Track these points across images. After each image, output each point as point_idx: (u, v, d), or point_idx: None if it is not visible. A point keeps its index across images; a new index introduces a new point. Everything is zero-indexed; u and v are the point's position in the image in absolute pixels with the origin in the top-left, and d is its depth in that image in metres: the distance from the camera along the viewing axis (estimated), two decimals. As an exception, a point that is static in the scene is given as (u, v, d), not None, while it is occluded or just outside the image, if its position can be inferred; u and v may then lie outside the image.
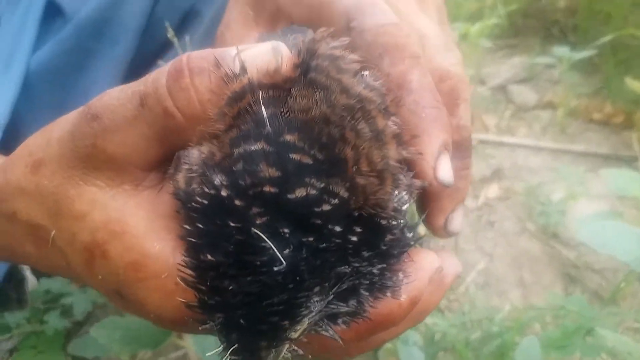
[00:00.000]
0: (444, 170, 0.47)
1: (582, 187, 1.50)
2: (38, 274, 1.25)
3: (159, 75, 0.44)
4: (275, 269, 0.35)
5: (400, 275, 0.45)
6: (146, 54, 1.11)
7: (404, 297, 0.45)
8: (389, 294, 0.45)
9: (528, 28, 2.34)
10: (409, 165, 0.46)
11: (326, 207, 0.36)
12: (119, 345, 0.92)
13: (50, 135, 0.51)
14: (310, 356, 0.49)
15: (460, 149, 0.52)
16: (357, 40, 0.49)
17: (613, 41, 1.90)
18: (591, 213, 1.32)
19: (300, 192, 0.35)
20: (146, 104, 0.44)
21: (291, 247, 0.35)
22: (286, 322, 0.38)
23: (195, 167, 0.40)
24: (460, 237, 1.48)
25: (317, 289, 0.38)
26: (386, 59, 0.48)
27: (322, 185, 0.36)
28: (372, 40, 0.49)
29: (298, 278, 0.36)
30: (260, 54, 0.42)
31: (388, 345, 1.12)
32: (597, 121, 1.86)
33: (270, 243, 0.35)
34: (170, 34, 0.97)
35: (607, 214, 1.30)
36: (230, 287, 0.36)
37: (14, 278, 1.32)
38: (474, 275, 1.38)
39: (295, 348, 0.43)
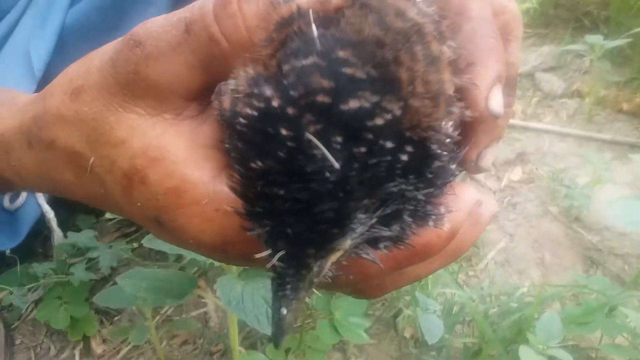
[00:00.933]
0: (496, 101, 0.46)
1: (607, 173, 1.49)
2: (65, 228, 1.28)
3: (206, 1, 0.43)
4: (327, 174, 0.35)
5: (442, 208, 0.45)
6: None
7: (447, 227, 0.45)
8: (431, 223, 0.45)
9: (559, 18, 2.31)
10: (460, 94, 0.46)
11: (379, 122, 0.36)
12: (145, 294, 0.94)
13: (91, 63, 0.50)
14: (346, 284, 0.49)
15: (507, 85, 0.51)
16: None
17: (646, 33, 1.88)
18: (617, 197, 1.31)
19: (353, 104, 0.35)
20: (191, 30, 0.43)
21: (343, 157, 0.35)
22: (335, 231, 0.38)
23: (241, 88, 0.39)
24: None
25: (365, 201, 0.38)
26: None
27: (376, 99, 0.36)
28: None
29: (348, 187, 0.36)
30: None
31: (407, 312, 1.13)
32: (626, 112, 1.84)
33: (323, 149, 0.34)
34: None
35: (634, 196, 1.29)
36: (281, 193, 0.36)
37: (41, 233, 1.35)
38: (493, 254, 1.38)
39: (335, 270, 0.43)
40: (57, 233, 1.25)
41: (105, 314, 1.27)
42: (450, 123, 0.43)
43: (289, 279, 0.39)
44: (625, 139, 1.69)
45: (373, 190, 0.38)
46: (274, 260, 0.38)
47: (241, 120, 0.37)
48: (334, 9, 0.41)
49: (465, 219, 0.46)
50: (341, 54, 0.37)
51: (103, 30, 1.17)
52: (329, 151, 0.34)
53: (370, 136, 0.36)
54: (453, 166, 0.45)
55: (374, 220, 0.41)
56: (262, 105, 0.36)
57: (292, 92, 0.35)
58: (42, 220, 1.25)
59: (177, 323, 1.21)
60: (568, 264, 1.34)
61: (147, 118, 0.47)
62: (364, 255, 0.44)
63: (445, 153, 0.41)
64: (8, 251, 1.16)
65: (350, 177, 0.35)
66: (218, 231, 0.46)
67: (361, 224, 0.40)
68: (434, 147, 0.39)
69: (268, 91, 0.36)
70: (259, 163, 0.36)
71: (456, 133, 0.44)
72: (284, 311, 0.40)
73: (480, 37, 0.47)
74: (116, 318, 1.26)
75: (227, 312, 1.04)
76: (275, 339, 0.41)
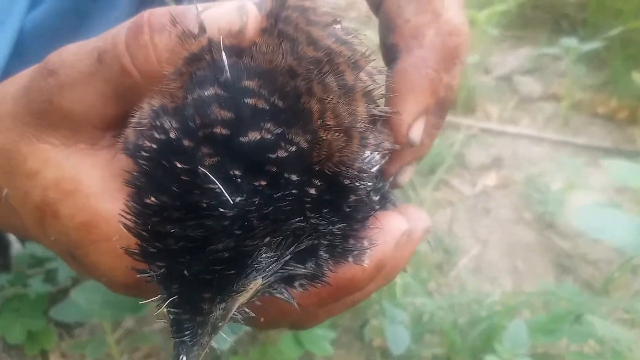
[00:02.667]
0: (417, 131, 0.48)
1: (581, 179, 1.48)
2: (23, 239, 1.24)
3: (119, 31, 0.42)
4: (222, 210, 0.33)
5: (365, 242, 0.44)
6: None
7: (366, 263, 0.43)
8: (350, 259, 0.43)
9: (537, 20, 2.30)
10: (380, 121, 0.45)
11: (282, 154, 0.34)
12: (100, 309, 0.91)
13: (6, 90, 0.49)
14: (265, 321, 0.47)
15: (440, 107, 0.52)
16: None
17: (622, 36, 1.87)
18: (589, 203, 1.30)
19: (253, 135, 0.34)
20: (104, 60, 0.42)
21: (241, 191, 0.33)
22: (232, 272, 0.36)
23: (145, 121, 0.37)
24: (454, 223, 1.46)
25: (267, 239, 0.36)
26: (412, 6, 0.50)
27: (279, 131, 0.34)
28: None
29: (247, 224, 0.34)
30: (223, 13, 0.40)
31: (374, 322, 1.11)
32: (602, 115, 1.83)
33: (217, 183, 0.32)
34: (170, 1, 0.95)
35: (605, 204, 1.28)
36: (173, 231, 0.33)
37: (1, 244, 1.31)
38: (466, 261, 1.36)
39: (248, 310, 0.41)
40: (15, 245, 1.21)
41: (65, 327, 1.23)
42: (376, 153, 0.41)
43: (187, 324, 0.37)
44: (600, 144, 1.68)
45: (277, 226, 0.36)
46: (165, 306, 0.36)
47: (142, 153, 0.35)
48: (247, 42, 0.39)
49: (391, 250, 0.45)
50: (247, 83, 0.35)
51: (64, 34, 1.13)
52: (226, 185, 0.33)
53: (273, 169, 0.34)
54: (376, 198, 0.43)
55: (286, 257, 0.38)
56: (162, 137, 0.34)
57: (190, 124, 0.34)
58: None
59: (138, 337, 1.17)
60: (540, 271, 1.32)
61: (61, 149, 0.45)
62: (278, 295, 0.42)
63: (361, 186, 0.39)
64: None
65: (250, 212, 0.33)
66: (129, 269, 0.43)
67: (269, 262, 0.37)
68: (346, 181, 0.38)
69: (167, 123, 0.34)
70: (153, 199, 0.34)
71: (379, 163, 0.42)
72: (183, 358, 0.37)
73: (424, 67, 0.48)
74: (76, 331, 1.22)
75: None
76: None
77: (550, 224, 1.44)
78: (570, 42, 1.82)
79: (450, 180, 1.61)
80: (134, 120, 0.39)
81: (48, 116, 0.45)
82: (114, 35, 0.42)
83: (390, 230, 0.46)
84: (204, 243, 0.34)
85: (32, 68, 0.47)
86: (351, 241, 0.42)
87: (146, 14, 0.41)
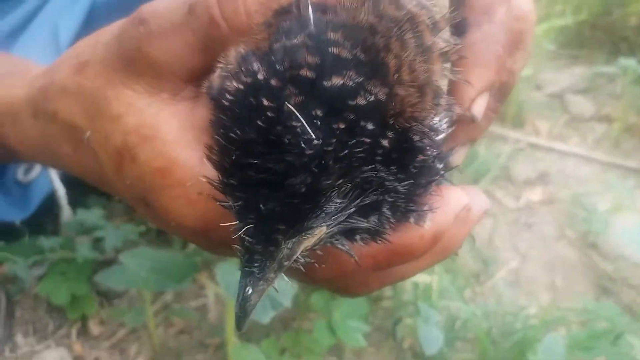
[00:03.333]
0: (480, 106, 0.48)
1: (629, 201, 1.45)
2: (75, 205, 1.29)
3: None
4: (303, 147, 0.34)
5: (426, 206, 0.44)
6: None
7: (427, 225, 0.44)
8: (412, 220, 0.44)
9: (594, 40, 2.27)
10: (451, 89, 0.45)
11: (361, 102, 0.36)
12: (147, 274, 0.94)
13: (99, 39, 0.52)
14: (320, 275, 0.48)
15: (500, 91, 0.52)
16: None
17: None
18: (635, 225, 1.27)
19: (337, 81, 0.35)
20: (194, 12, 0.44)
21: (321, 132, 0.35)
22: (307, 207, 0.37)
23: (231, 66, 0.39)
24: (495, 234, 1.45)
25: (340, 181, 0.37)
26: None
27: (360, 79, 0.36)
28: None
29: (323, 163, 0.35)
30: None
31: (407, 321, 1.11)
32: (655, 141, 1.79)
33: (302, 120, 0.34)
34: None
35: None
36: (255, 163, 0.35)
37: (52, 209, 1.36)
38: (503, 273, 1.35)
39: (309, 257, 0.42)
40: (66, 210, 1.26)
41: (106, 296, 1.26)
42: (444, 119, 0.42)
43: (257, 256, 0.39)
44: (652, 169, 1.64)
45: (350, 171, 0.37)
46: (241, 233, 0.37)
47: (227, 95, 0.37)
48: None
49: (450, 222, 0.45)
50: (331, 35, 0.37)
51: (134, 8, 1.18)
52: (308, 124, 0.34)
53: (351, 115, 0.35)
54: (440, 165, 0.44)
55: (351, 210, 0.40)
56: (249, 79, 0.36)
57: (277, 66, 0.36)
58: (53, 197, 1.26)
59: (175, 311, 1.20)
60: (579, 290, 1.30)
61: (145, 96, 0.47)
62: (339, 246, 0.43)
63: (429, 147, 0.40)
64: (18, 222, 1.16)
65: (327, 153, 0.35)
66: (200, 215, 0.45)
67: (336, 209, 0.39)
68: (416, 138, 0.39)
69: (255, 65, 0.36)
70: (238, 132, 0.36)
71: (448, 130, 0.43)
72: (249, 290, 0.39)
73: (493, 42, 0.48)
74: (115, 301, 1.26)
75: (226, 303, 1.03)
76: (238, 320, 0.40)
77: (593, 244, 1.41)
78: (629, 62, 1.79)
79: (494, 191, 1.59)
80: (220, 65, 0.41)
81: (136, 63, 0.47)
82: None
83: (452, 201, 0.46)
84: (283, 176, 0.35)
85: (125, 19, 0.49)
86: (413, 204, 0.43)
87: None
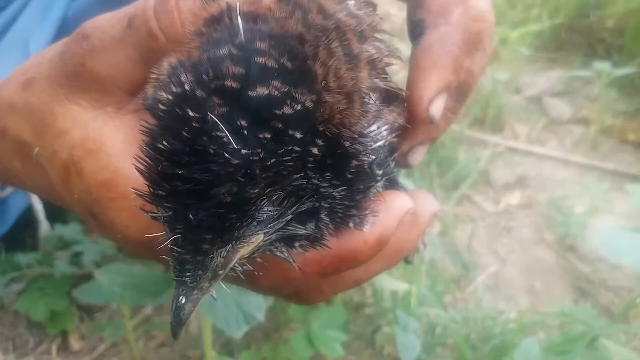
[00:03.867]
0: (437, 107, 0.49)
1: (606, 204, 1.46)
2: (52, 220, 1.28)
3: None
4: (227, 156, 0.35)
5: (367, 211, 0.45)
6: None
7: (366, 229, 0.45)
8: (351, 225, 0.45)
9: (571, 43, 2.29)
10: (394, 97, 0.46)
11: (288, 110, 0.36)
12: (122, 290, 0.94)
13: (44, 55, 0.52)
14: (268, 283, 0.48)
15: (459, 91, 0.53)
16: None
17: (658, 63, 1.85)
18: (612, 228, 1.29)
19: (262, 90, 0.35)
20: (133, 25, 0.45)
21: (247, 141, 0.35)
22: (234, 217, 0.37)
23: (162, 76, 0.40)
24: (474, 239, 1.46)
25: (269, 190, 0.37)
26: None
27: (286, 89, 0.36)
28: None
29: (250, 172, 0.35)
30: None
31: (386, 329, 1.11)
32: (632, 142, 1.81)
33: (225, 130, 0.34)
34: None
35: (629, 229, 1.26)
36: (181, 174, 0.35)
37: (31, 224, 1.35)
38: (483, 278, 1.36)
39: (248, 265, 0.43)
40: (44, 224, 1.25)
41: (87, 311, 1.26)
42: (382, 126, 0.43)
43: (188, 265, 0.39)
44: (628, 170, 1.66)
45: (279, 179, 0.37)
46: (168, 243, 0.38)
47: (159, 105, 0.37)
48: (265, 7, 0.42)
49: (394, 226, 0.46)
50: (259, 44, 0.37)
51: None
52: (233, 135, 0.35)
53: (278, 124, 0.36)
54: (379, 171, 0.44)
55: (288, 217, 0.40)
56: (177, 89, 0.36)
57: (203, 77, 0.36)
58: (31, 211, 1.26)
59: (155, 324, 1.20)
60: (558, 293, 1.32)
61: (89, 110, 0.48)
62: (278, 253, 0.44)
63: (363, 153, 0.40)
64: (-7, 239, 1.16)
65: (253, 162, 0.35)
66: (143, 226, 0.46)
67: (271, 217, 0.39)
68: (347, 144, 0.39)
69: (183, 76, 0.37)
70: (165, 143, 0.36)
71: (385, 138, 0.44)
72: (182, 300, 0.40)
73: (449, 44, 0.49)
74: (96, 315, 1.25)
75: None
76: (173, 329, 0.41)
77: (571, 247, 1.43)
78: (604, 66, 1.81)
79: (473, 196, 1.61)
80: (154, 76, 0.41)
81: (80, 78, 0.48)
82: (144, 1, 0.45)
83: (394, 206, 0.47)
84: (209, 186, 0.35)
85: (69, 36, 0.50)
86: (353, 210, 0.44)
87: None
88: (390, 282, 1.07)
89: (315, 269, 0.46)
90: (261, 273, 0.45)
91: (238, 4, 0.40)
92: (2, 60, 1.08)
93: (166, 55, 0.42)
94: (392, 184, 0.52)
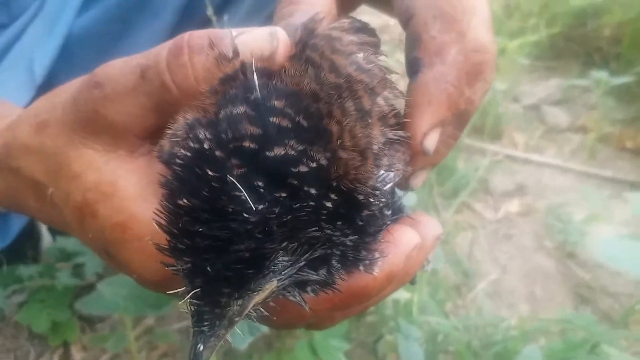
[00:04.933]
0: (432, 141, 0.51)
1: (604, 211, 1.47)
2: (54, 232, 1.28)
3: (161, 50, 0.46)
4: (246, 215, 0.36)
5: (377, 254, 0.46)
6: (185, 30, 1.15)
7: (376, 272, 0.46)
8: (362, 268, 0.46)
9: (569, 52, 2.31)
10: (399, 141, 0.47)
11: (303, 169, 0.37)
12: (124, 302, 0.94)
13: (55, 100, 0.54)
14: (282, 321, 0.50)
15: (459, 119, 0.55)
16: None
17: (655, 71, 1.87)
18: (612, 235, 1.29)
19: (278, 151, 0.37)
20: (146, 76, 0.46)
21: (264, 200, 0.36)
22: (251, 271, 0.39)
23: (179, 132, 0.41)
24: (475, 247, 1.47)
25: (284, 244, 0.39)
26: (438, 24, 0.52)
27: (302, 148, 0.37)
28: (433, 1, 0.52)
29: (267, 229, 0.37)
30: (256, 38, 0.44)
31: (388, 338, 1.12)
32: (629, 150, 1.82)
33: (243, 191, 0.36)
34: (210, 12, 0.99)
35: (628, 236, 1.27)
36: (201, 230, 0.37)
37: (32, 236, 1.36)
38: (484, 285, 1.36)
39: (262, 310, 0.44)
40: (46, 236, 1.25)
41: (88, 322, 1.26)
42: (390, 172, 0.44)
43: (206, 316, 0.40)
44: (626, 177, 1.67)
45: (295, 233, 0.39)
46: (188, 297, 0.39)
47: (177, 160, 0.38)
48: (278, 64, 0.43)
49: (402, 262, 0.48)
50: (274, 103, 0.39)
51: (109, 40, 1.18)
52: (251, 194, 0.36)
53: (294, 182, 0.37)
54: (388, 212, 0.47)
55: (301, 263, 0.42)
56: (196, 146, 0.38)
57: (222, 136, 0.37)
58: (33, 223, 1.26)
59: (158, 334, 1.20)
60: (558, 299, 1.32)
61: (103, 154, 0.49)
62: (291, 298, 0.45)
63: (375, 202, 0.42)
64: (-4, 251, 1.16)
65: (270, 219, 0.37)
66: (159, 267, 0.46)
67: (285, 266, 0.40)
68: (360, 197, 0.41)
69: (202, 134, 0.38)
70: (185, 200, 0.37)
71: (393, 181, 0.45)
72: (200, 347, 0.41)
73: (444, 82, 0.50)
74: (98, 325, 1.25)
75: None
76: None
77: (571, 254, 1.43)
78: (601, 74, 1.82)
79: (473, 204, 1.61)
80: (170, 131, 0.42)
81: (93, 124, 0.49)
82: (156, 53, 0.46)
83: (402, 243, 0.48)
84: (228, 243, 0.37)
85: (80, 79, 0.51)
86: (363, 252, 0.45)
87: (186, 35, 0.45)
88: (391, 291, 1.07)
89: (327, 307, 0.48)
90: (274, 317, 0.46)
91: (253, 60, 0.41)
92: (7, 79, 1.09)
93: (180, 107, 0.43)
94: (398, 212, 0.53)
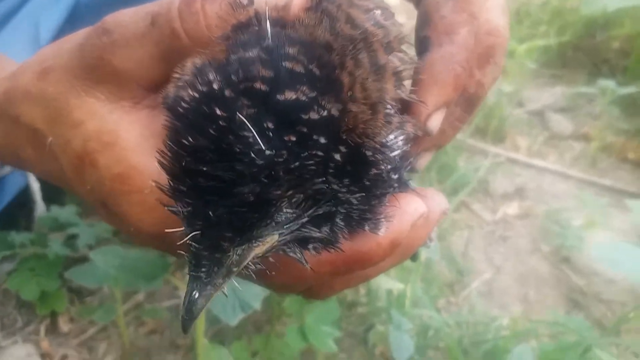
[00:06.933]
0: (435, 122, 0.50)
1: (603, 218, 1.47)
2: (48, 201, 1.27)
3: None
4: (253, 157, 0.35)
5: (382, 215, 0.45)
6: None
7: (381, 232, 0.45)
8: (367, 228, 0.45)
9: (576, 61, 2.30)
10: (407, 107, 0.46)
11: (314, 116, 0.36)
12: (116, 272, 0.93)
13: (62, 46, 0.52)
14: (282, 282, 0.48)
15: (468, 102, 0.54)
16: None
17: (661, 85, 1.86)
18: (606, 241, 1.29)
19: (290, 95, 0.36)
20: (156, 23, 0.45)
21: (272, 143, 0.35)
22: (255, 216, 0.37)
23: (186, 77, 0.39)
24: (470, 246, 1.46)
25: (290, 192, 0.38)
26: (450, 4, 0.51)
27: (314, 95, 0.36)
28: None
29: (273, 173, 0.35)
30: None
31: (379, 328, 1.11)
32: (631, 161, 1.81)
33: (253, 130, 0.34)
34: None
35: (623, 241, 1.27)
36: (205, 170, 0.35)
37: (25, 204, 1.34)
38: (477, 284, 1.36)
39: (261, 264, 0.43)
40: (40, 205, 1.24)
41: (78, 294, 1.25)
42: (399, 136, 0.43)
43: (204, 261, 0.39)
44: (626, 188, 1.67)
45: (301, 183, 0.38)
46: (187, 239, 0.37)
47: (183, 103, 0.37)
48: (293, 14, 0.42)
49: (407, 230, 0.47)
50: (287, 49, 0.37)
51: (116, 6, 1.17)
52: (259, 135, 0.34)
53: (303, 128, 0.36)
54: (395, 176, 0.45)
55: (304, 219, 0.40)
56: (204, 88, 0.36)
57: (232, 77, 0.36)
58: (28, 191, 1.25)
59: (147, 311, 1.19)
60: (551, 303, 1.31)
61: (105, 103, 0.48)
62: (292, 254, 0.44)
63: (382, 162, 0.41)
64: (-13, 217, 1.15)
65: (277, 164, 0.35)
66: (158, 221, 0.46)
67: (288, 219, 0.39)
68: (368, 153, 0.39)
69: (211, 76, 0.36)
70: (190, 139, 0.36)
71: (403, 146, 0.44)
72: (196, 294, 0.40)
73: (451, 62, 0.50)
74: (87, 298, 1.24)
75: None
76: (184, 323, 0.41)
77: (566, 259, 1.43)
78: (608, 83, 1.82)
79: (471, 204, 1.61)
80: (177, 76, 0.41)
81: (98, 71, 0.48)
82: (168, 1, 0.45)
83: (408, 211, 0.47)
84: (232, 185, 0.35)
85: (88, 27, 0.50)
86: (368, 214, 0.44)
87: None
88: (386, 281, 1.06)
89: (328, 269, 0.46)
90: (274, 273, 0.45)
91: (267, 9, 0.40)
92: (12, 40, 1.08)
93: (188, 56, 0.42)
94: (403, 186, 0.52)
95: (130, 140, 0.47)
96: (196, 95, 0.37)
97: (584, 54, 2.31)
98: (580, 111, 2.05)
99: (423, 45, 0.52)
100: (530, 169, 1.77)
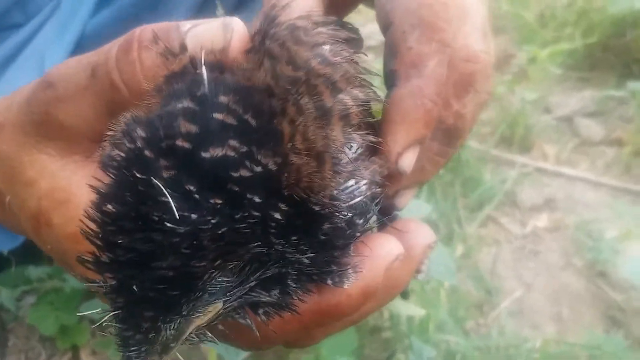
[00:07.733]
0: (407, 161, 0.47)
1: (639, 229, 1.39)
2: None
3: (112, 46, 0.43)
4: (171, 225, 0.31)
5: (349, 268, 0.42)
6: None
7: (347, 285, 0.42)
8: (329, 282, 0.41)
9: (605, 63, 2.22)
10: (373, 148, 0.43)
11: (245, 173, 0.33)
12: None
13: (14, 99, 0.51)
14: (260, 340, 0.46)
15: (447, 135, 0.50)
16: (400, 2, 0.48)
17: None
18: (645, 254, 1.22)
19: (215, 152, 0.32)
20: (96, 75, 0.43)
21: (197, 208, 0.32)
22: (176, 293, 0.34)
23: (118, 134, 0.37)
24: (498, 262, 1.41)
25: (219, 262, 0.34)
26: (416, 33, 0.47)
27: (245, 149, 0.33)
28: (413, 8, 0.48)
29: (196, 243, 0.32)
30: (206, 30, 0.40)
31: (400, 356, 1.07)
32: (667, 165, 1.73)
33: (168, 195, 0.31)
34: (220, 13, 0.97)
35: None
36: (121, 242, 0.32)
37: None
38: (507, 303, 1.30)
39: (210, 334, 0.40)
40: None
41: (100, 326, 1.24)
42: (361, 181, 0.40)
43: (131, 341, 0.35)
44: (664, 194, 1.59)
45: (233, 249, 0.34)
46: (104, 320, 0.34)
47: (112, 163, 0.34)
48: (232, 57, 0.39)
49: (380, 276, 0.43)
50: (221, 98, 0.34)
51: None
52: (182, 201, 0.31)
53: (235, 188, 0.33)
54: (361, 221, 0.41)
55: (252, 283, 0.37)
56: (130, 146, 0.34)
57: (155, 135, 0.33)
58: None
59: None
60: (587, 321, 1.25)
61: (57, 159, 0.47)
62: (241, 321, 0.41)
63: (336, 214, 0.37)
64: (6, 252, 1.15)
65: (202, 231, 0.32)
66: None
67: (230, 287, 0.36)
68: (316, 208, 0.36)
69: (135, 133, 0.34)
70: (110, 207, 0.33)
71: (367, 191, 0.41)
72: None
73: (420, 97, 0.46)
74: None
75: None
76: None
77: (601, 273, 1.36)
78: (638, 86, 1.74)
79: (498, 217, 1.55)
80: (111, 132, 0.38)
81: (46, 127, 0.46)
82: (107, 50, 0.43)
83: (381, 254, 0.44)
84: (150, 258, 0.32)
85: (36, 80, 0.48)
86: (333, 267, 0.41)
87: (138, 30, 0.42)
88: (406, 308, 1.02)
89: (296, 326, 0.44)
90: (233, 336, 0.42)
91: (203, 53, 0.37)
92: (20, 76, 1.09)
93: (130, 107, 0.39)
94: (383, 225, 0.49)
95: (84, 197, 0.44)
96: (122, 154, 0.34)
97: (613, 54, 2.23)
98: (611, 115, 1.97)
99: (390, 79, 0.49)
100: (559, 178, 1.71)
